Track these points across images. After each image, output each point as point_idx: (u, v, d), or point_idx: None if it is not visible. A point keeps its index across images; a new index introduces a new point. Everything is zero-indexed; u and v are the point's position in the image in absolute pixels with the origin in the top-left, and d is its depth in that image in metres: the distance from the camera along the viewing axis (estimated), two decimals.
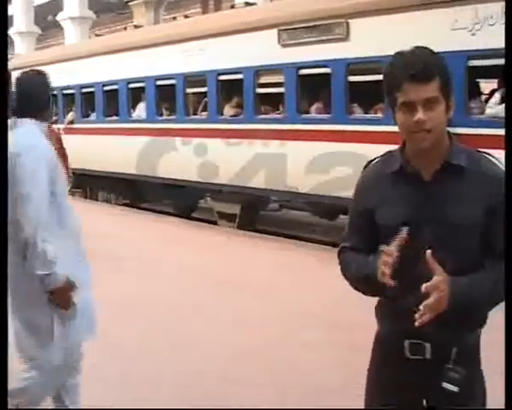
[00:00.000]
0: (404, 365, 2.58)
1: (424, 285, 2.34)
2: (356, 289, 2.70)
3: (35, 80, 4.08)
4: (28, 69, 4.21)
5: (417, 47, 2.45)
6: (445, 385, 2.45)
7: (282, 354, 6.01)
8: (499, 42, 8.56)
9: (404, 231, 2.41)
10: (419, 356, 2.54)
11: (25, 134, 3.89)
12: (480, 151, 2.58)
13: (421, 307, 2.34)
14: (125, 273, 8.97)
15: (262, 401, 4.96)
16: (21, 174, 3.72)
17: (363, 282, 2.58)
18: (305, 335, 6.40)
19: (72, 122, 18.62)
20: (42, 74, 4.14)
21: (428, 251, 2.37)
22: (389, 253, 2.39)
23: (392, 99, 2.45)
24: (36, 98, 4.01)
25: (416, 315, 2.36)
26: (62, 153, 4.06)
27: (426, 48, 2.45)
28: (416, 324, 2.37)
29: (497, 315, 2.67)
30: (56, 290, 3.78)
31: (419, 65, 2.35)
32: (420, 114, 2.35)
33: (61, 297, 3.81)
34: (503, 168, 2.52)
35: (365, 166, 2.74)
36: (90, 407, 4.38)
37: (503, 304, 2.53)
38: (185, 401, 4.97)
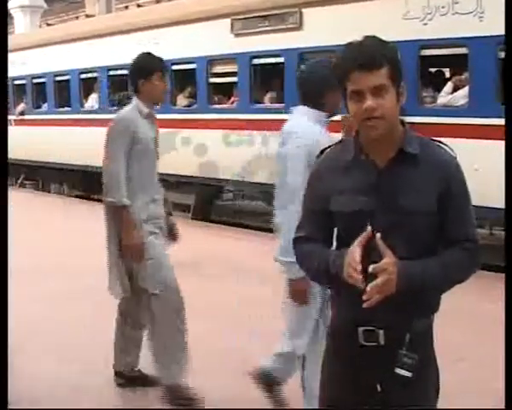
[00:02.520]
0: (359, 352, 2.59)
1: (372, 266, 2.36)
2: (313, 280, 2.71)
3: (314, 70, 4.19)
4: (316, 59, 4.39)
5: (367, 36, 2.47)
6: (399, 371, 2.47)
7: (230, 342, 6.01)
8: (450, 31, 8.77)
9: (368, 230, 2.43)
10: (373, 343, 2.55)
11: (292, 121, 4.17)
12: (433, 139, 2.61)
13: (368, 288, 2.36)
14: None
15: (210, 390, 4.93)
16: (282, 161, 4.01)
17: (325, 277, 2.59)
18: (252, 323, 6.41)
19: (22, 113, 18.37)
20: (324, 65, 4.17)
21: (378, 234, 2.39)
22: (354, 257, 2.39)
23: (342, 89, 2.47)
24: (310, 87, 4.13)
25: (364, 296, 2.37)
26: None
27: (375, 37, 2.46)
28: (364, 305, 2.38)
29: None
30: (293, 283, 3.88)
31: (366, 53, 2.38)
32: (369, 102, 2.37)
33: (294, 290, 3.90)
34: (455, 155, 2.55)
35: (319, 154, 2.74)
36: None
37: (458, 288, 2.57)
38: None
